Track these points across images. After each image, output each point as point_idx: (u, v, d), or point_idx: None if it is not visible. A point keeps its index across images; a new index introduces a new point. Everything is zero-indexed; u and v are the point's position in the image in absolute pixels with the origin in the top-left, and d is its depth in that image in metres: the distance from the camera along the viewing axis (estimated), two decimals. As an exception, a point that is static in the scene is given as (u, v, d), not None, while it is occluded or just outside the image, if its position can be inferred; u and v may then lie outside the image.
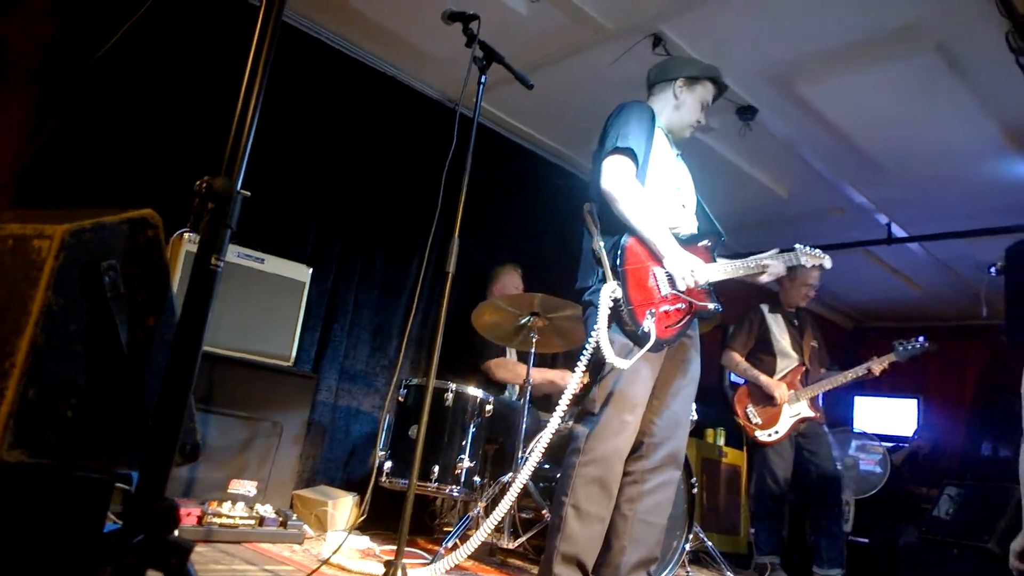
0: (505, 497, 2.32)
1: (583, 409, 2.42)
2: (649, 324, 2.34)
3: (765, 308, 4.73)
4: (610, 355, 2.25)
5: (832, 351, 4.98)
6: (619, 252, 2.39)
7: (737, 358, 4.64)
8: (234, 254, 3.08)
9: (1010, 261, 4.61)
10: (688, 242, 2.57)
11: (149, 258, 1.28)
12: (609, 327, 2.31)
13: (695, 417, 3.63)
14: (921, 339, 4.43)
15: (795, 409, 4.46)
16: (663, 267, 2.45)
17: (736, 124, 4.33)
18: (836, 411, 7.31)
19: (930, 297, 7.21)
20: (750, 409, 4.52)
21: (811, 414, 4.47)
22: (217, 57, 3.45)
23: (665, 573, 3.16)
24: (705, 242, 2.66)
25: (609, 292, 2.29)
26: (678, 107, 2.74)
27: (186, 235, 2.96)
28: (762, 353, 4.63)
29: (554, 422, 2.32)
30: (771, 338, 4.63)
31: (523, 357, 4.07)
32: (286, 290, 3.27)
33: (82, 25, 3.09)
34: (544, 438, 2.35)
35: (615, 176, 2.42)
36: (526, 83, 2.54)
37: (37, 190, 2.98)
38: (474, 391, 3.46)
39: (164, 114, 3.38)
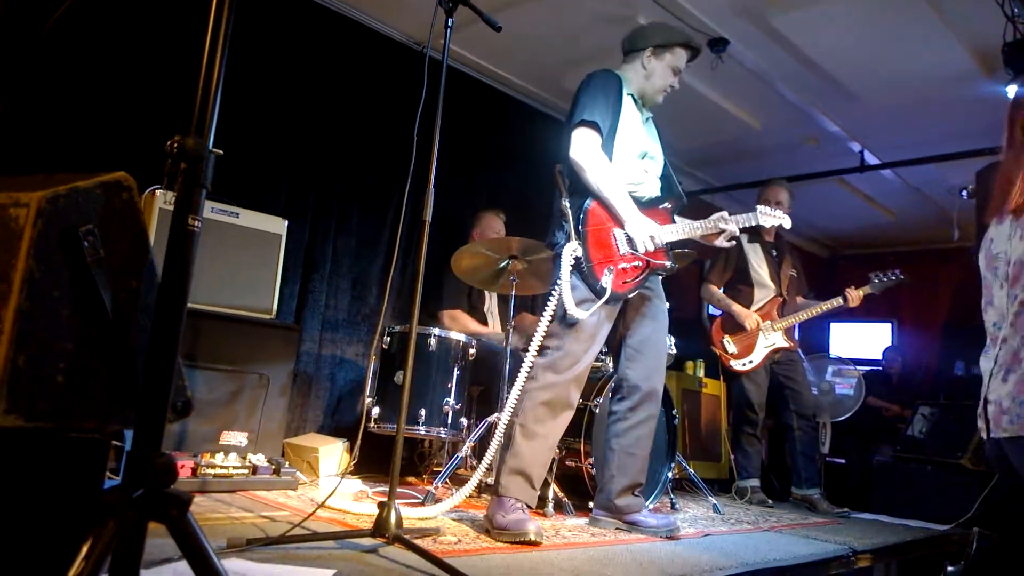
0: (493, 438, 2.53)
1: (541, 343, 2.62)
2: (607, 280, 2.58)
3: (744, 238, 4.77)
4: (571, 306, 2.51)
5: (809, 280, 5.07)
6: (582, 214, 2.62)
7: (713, 289, 4.72)
8: (208, 209, 3.06)
9: (980, 183, 4.68)
10: (649, 205, 2.79)
11: (126, 221, 1.29)
12: (572, 277, 2.58)
13: (674, 351, 3.71)
14: (896, 271, 4.51)
15: (770, 339, 4.55)
16: (623, 229, 2.68)
17: (708, 57, 4.30)
18: (812, 337, 7.48)
19: (903, 223, 7.32)
20: (726, 339, 4.62)
21: (785, 344, 4.57)
22: (178, 8, 3.36)
23: (650, 500, 3.28)
24: (666, 204, 2.86)
25: (571, 251, 2.55)
26: (648, 76, 2.88)
27: (158, 192, 2.93)
28: (740, 284, 4.70)
29: (527, 364, 2.56)
30: (749, 268, 4.70)
31: (505, 300, 4.12)
32: (263, 243, 3.26)
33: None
34: (521, 377, 2.56)
35: (582, 148, 2.63)
36: (493, 25, 2.50)
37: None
38: (457, 335, 3.51)
39: (125, 71, 3.31)
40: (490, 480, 3.27)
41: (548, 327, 2.59)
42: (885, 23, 3.88)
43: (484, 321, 4.24)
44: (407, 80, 4.22)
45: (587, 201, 2.64)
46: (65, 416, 1.17)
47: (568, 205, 2.63)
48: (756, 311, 4.61)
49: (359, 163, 4.25)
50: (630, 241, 2.68)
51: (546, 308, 2.57)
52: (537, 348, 2.56)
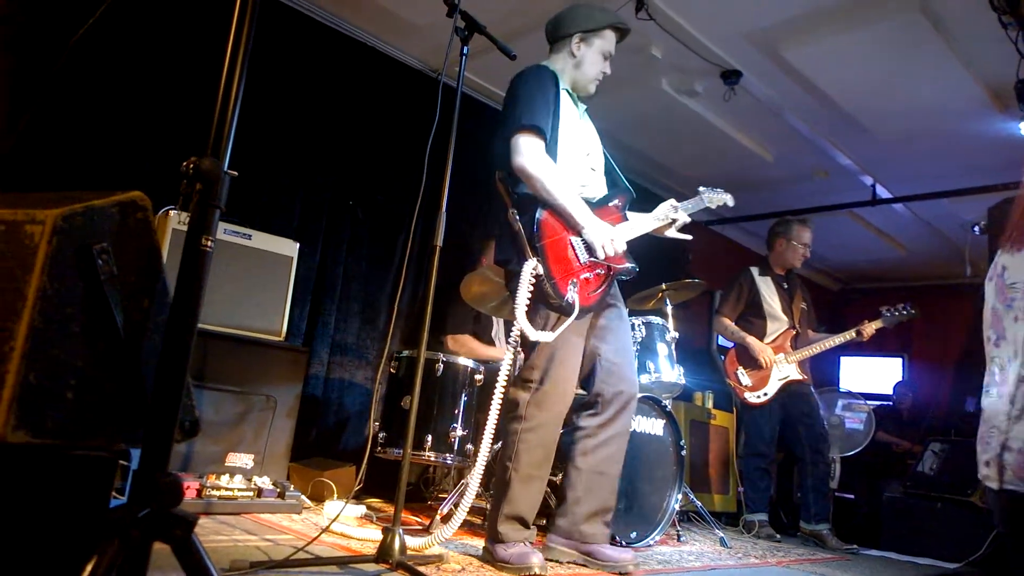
0: (475, 465, 2.37)
1: (521, 376, 2.49)
2: (572, 295, 2.38)
3: (755, 271, 4.79)
4: (533, 333, 2.31)
5: (819, 313, 5.05)
6: (535, 227, 2.40)
7: (727, 322, 4.71)
8: (221, 231, 3.08)
9: (993, 220, 4.67)
10: (598, 205, 2.61)
11: (140, 240, 1.30)
12: (533, 302, 2.34)
13: (682, 381, 3.69)
14: (907, 306, 4.49)
15: (784, 371, 4.53)
16: (580, 236, 2.49)
17: (721, 88, 4.34)
18: (822, 371, 7.42)
19: (915, 257, 7.29)
20: (740, 371, 4.60)
21: (799, 377, 4.54)
22: (196, 32, 3.42)
23: (656, 532, 3.23)
24: (615, 202, 2.69)
25: (530, 270, 2.32)
26: (578, 65, 2.68)
27: (172, 212, 2.95)
28: (753, 316, 4.69)
29: (497, 397, 2.36)
30: (761, 301, 4.69)
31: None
32: (274, 265, 3.27)
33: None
34: (493, 411, 2.36)
35: (528, 155, 2.43)
36: (509, 54, 2.53)
37: (19, 173, 2.97)
38: (464, 361, 3.50)
39: (142, 92, 3.35)
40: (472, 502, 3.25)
41: (529, 359, 2.47)
42: (898, 57, 3.90)
43: (491, 345, 4.22)
44: (421, 106, 4.27)
45: (537, 212, 2.42)
46: (73, 433, 1.17)
47: (517, 219, 2.41)
48: (769, 343, 4.59)
49: (371, 187, 4.27)
50: (589, 248, 2.49)
51: (510, 336, 2.38)
52: (506, 382, 2.36)
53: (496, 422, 2.36)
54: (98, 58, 3.16)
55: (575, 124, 2.66)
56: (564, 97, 2.62)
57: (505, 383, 2.36)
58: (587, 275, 2.48)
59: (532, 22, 3.95)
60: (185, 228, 1.23)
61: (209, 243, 1.22)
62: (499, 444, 2.63)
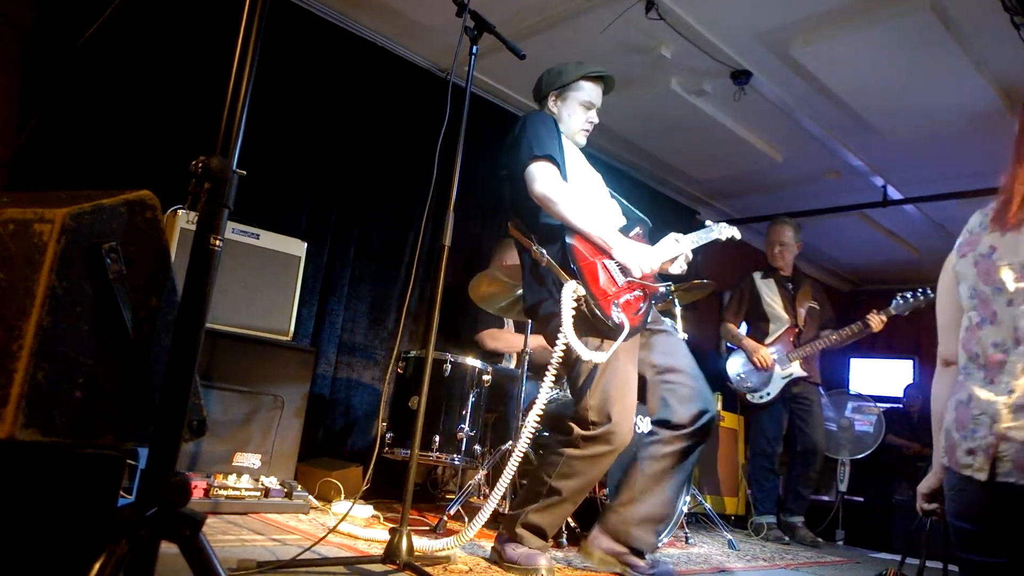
0: (506, 468, 2.34)
1: (578, 415, 2.39)
2: (618, 315, 2.34)
3: (757, 275, 4.82)
4: (585, 352, 2.24)
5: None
6: (568, 252, 2.37)
7: (730, 327, 4.77)
8: (229, 230, 3.08)
9: (1004, 221, 4.61)
10: (622, 232, 2.58)
11: (148, 239, 1.30)
12: (578, 329, 2.27)
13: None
14: (923, 290, 4.37)
15: (787, 371, 4.52)
16: (612, 259, 2.46)
17: (730, 88, 4.32)
18: (832, 373, 7.38)
19: (926, 259, 7.23)
20: (740, 374, 4.60)
21: (803, 374, 4.53)
22: (204, 32, 3.43)
23: (664, 535, 3.22)
24: (637, 230, 2.67)
25: (571, 292, 2.26)
26: (559, 119, 2.71)
27: (180, 212, 2.96)
28: (757, 319, 4.72)
29: (535, 411, 2.32)
30: (762, 303, 4.71)
31: (521, 328, 4.10)
32: (282, 265, 3.27)
33: (66, 3, 3.07)
34: (533, 414, 2.32)
35: (545, 181, 2.41)
36: (518, 53, 2.53)
37: (29, 172, 2.98)
38: (472, 361, 3.49)
39: (151, 91, 3.36)
40: (502, 508, 3.25)
41: (582, 400, 2.37)
42: (909, 58, 3.87)
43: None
44: (430, 106, 4.27)
45: (567, 238, 2.39)
46: (82, 432, 1.17)
47: (543, 253, 2.39)
48: (769, 343, 4.59)
49: (380, 186, 4.27)
50: (624, 270, 2.45)
51: (548, 372, 2.30)
52: (539, 416, 2.30)
53: (516, 463, 2.33)
54: (107, 59, 3.17)
55: (582, 163, 2.69)
56: (566, 142, 2.65)
57: (539, 416, 2.31)
58: (627, 296, 2.43)
59: (542, 22, 3.96)
60: (193, 227, 1.23)
61: (217, 242, 1.22)
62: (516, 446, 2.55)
